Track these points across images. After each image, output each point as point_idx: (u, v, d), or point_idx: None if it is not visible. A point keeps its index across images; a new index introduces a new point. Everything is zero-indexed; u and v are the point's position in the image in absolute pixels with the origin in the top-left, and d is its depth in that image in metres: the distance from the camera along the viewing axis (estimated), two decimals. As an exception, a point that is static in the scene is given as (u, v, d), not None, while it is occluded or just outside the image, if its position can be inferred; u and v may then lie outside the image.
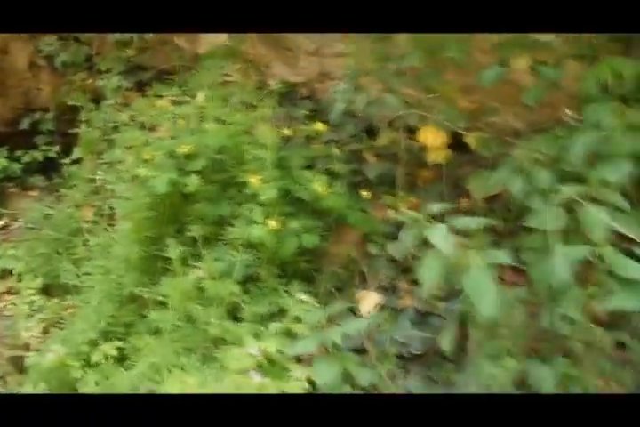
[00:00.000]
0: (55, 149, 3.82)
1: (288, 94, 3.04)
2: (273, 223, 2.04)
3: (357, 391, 1.88)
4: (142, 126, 2.77)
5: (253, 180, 2.08)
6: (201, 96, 2.69)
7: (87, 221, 2.95)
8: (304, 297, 2.10)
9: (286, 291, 2.15)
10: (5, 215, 3.72)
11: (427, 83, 2.31)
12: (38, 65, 4.25)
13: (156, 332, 2.11)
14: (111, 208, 2.76)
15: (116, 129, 3.01)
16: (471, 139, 2.27)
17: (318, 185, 2.16)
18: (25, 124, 4.00)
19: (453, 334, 1.72)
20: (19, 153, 3.90)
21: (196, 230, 2.16)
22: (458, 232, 1.92)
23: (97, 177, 2.95)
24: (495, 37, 2.14)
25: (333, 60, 3.21)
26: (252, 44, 3.32)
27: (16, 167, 3.82)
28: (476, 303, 1.54)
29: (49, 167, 3.81)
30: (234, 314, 2.15)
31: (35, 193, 3.81)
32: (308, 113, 2.78)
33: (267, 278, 2.18)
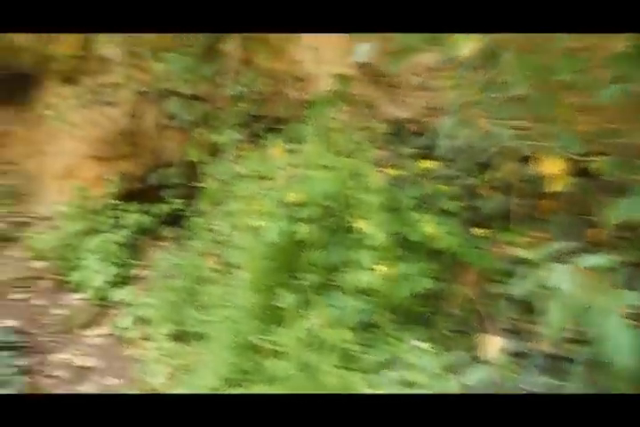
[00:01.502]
0: (181, 202, 4.07)
1: (396, 132, 3.00)
2: (383, 269, 1.98)
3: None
4: (256, 177, 2.87)
5: (362, 224, 2.05)
6: (310, 143, 2.75)
7: (210, 270, 3.07)
8: (420, 344, 2.00)
9: (401, 337, 2.07)
10: (139, 266, 3.99)
11: (538, 109, 2.18)
12: (163, 124, 4.60)
13: (273, 380, 2.11)
14: (230, 257, 2.85)
15: (233, 180, 3.15)
16: (596, 164, 2.09)
17: (429, 226, 2.08)
18: (153, 179, 4.31)
19: (583, 382, 1.54)
20: (149, 207, 4.20)
21: (308, 278, 2.16)
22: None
23: (217, 227, 3.08)
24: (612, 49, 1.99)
25: (440, 93, 3.15)
26: (358, 85, 3.35)
27: (147, 220, 4.12)
28: (607, 350, 1.37)
29: (176, 219, 4.06)
30: (348, 361, 2.10)
31: (164, 243, 4.07)
32: (417, 150, 2.72)
33: (381, 324, 2.11)
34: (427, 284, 2.10)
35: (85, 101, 4.79)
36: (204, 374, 2.50)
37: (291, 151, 2.93)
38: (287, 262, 2.32)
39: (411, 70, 3.42)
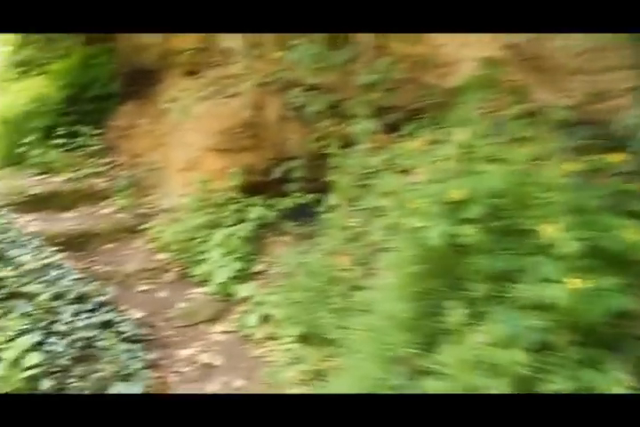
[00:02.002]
0: (305, 196, 3.91)
1: (560, 121, 2.63)
2: (577, 282, 1.65)
3: None
4: (396, 170, 2.62)
5: (550, 229, 1.72)
6: (461, 133, 2.44)
7: (343, 270, 2.86)
8: (620, 375, 1.65)
9: (592, 364, 1.73)
10: (264, 261, 3.86)
11: None
12: (287, 117, 4.46)
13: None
14: (369, 258, 2.62)
15: (369, 174, 2.92)
16: None
17: (629, 232, 1.72)
18: (277, 173, 4.17)
19: None
20: (273, 200, 4.07)
21: (472, 288, 1.87)
22: None
23: (352, 224, 2.86)
24: None
25: (605, 75, 2.76)
26: (509, 69, 3.00)
27: (271, 214, 3.98)
28: None
29: (300, 213, 3.90)
30: (523, 389, 1.79)
31: (290, 239, 3.92)
32: (589, 142, 2.35)
33: (563, 347, 1.78)
34: (623, 302, 1.74)
35: (207, 94, 4.75)
36: (342, 386, 2.29)
37: (435, 142, 2.65)
38: (446, 269, 2.04)
39: (567, 51, 3.02)
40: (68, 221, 4.18)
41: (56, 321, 2.84)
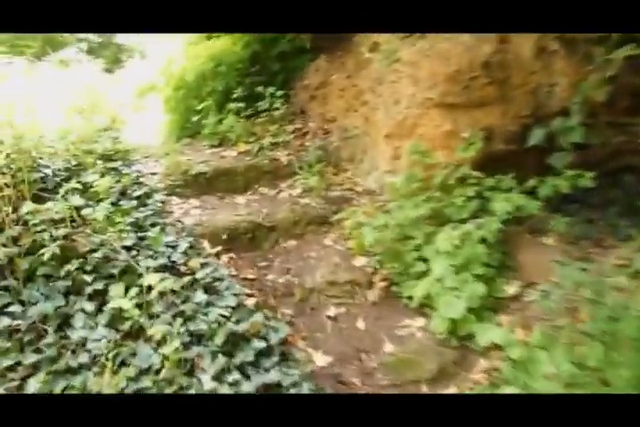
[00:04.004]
0: (589, 175, 2.37)
1: None
2: None
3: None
4: None
5: None
6: None
7: None
8: None
9: None
10: (520, 280, 2.41)
11: None
12: (549, 51, 2.90)
13: None
14: None
15: None
16: None
17: None
18: (535, 138, 2.67)
19: None
20: (531, 182, 2.58)
21: None
22: None
23: None
24: None
25: None
26: None
27: (531, 204, 2.49)
28: None
29: (583, 203, 2.38)
30: None
31: (561, 245, 2.41)
32: None
33: None
34: None
35: (424, 30, 3.34)
36: None
37: None
38: None
39: None
40: (238, 209, 3.13)
41: (189, 387, 1.72)
